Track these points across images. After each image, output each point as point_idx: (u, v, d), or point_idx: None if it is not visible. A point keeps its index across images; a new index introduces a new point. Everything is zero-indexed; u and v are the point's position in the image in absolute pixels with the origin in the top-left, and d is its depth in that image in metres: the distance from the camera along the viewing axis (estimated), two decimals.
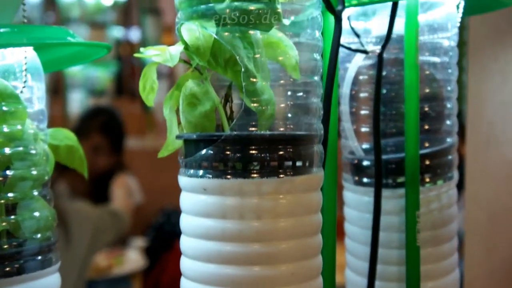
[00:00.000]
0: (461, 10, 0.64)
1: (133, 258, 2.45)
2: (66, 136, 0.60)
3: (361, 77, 0.66)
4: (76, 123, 2.41)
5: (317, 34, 0.53)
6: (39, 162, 0.54)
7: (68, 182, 2.03)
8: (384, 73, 0.63)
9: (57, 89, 3.25)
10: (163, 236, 2.77)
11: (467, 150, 0.83)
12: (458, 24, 0.65)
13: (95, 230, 1.73)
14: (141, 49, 0.53)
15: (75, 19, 3.10)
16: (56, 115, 3.10)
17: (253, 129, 0.51)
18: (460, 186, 0.73)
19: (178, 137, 0.53)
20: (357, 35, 0.63)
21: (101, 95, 3.26)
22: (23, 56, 0.52)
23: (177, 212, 2.14)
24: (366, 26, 0.67)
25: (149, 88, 0.55)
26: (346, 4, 0.56)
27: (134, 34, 4.26)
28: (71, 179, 2.02)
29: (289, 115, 0.53)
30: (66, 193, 1.99)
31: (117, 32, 3.85)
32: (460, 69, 0.68)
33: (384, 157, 0.64)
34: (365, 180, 0.66)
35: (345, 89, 0.66)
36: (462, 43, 0.77)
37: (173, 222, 2.85)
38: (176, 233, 2.32)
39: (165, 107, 0.55)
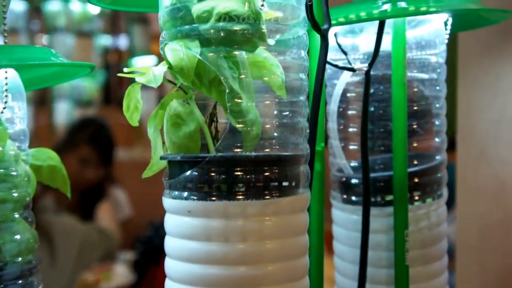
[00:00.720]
0: (449, 27, 0.65)
1: (121, 273, 2.43)
2: (49, 156, 0.60)
3: (348, 94, 0.67)
4: (63, 134, 2.40)
5: (303, 53, 0.53)
6: (20, 184, 0.54)
7: (55, 195, 2.02)
8: (371, 90, 0.64)
9: (43, 99, 3.24)
10: (151, 249, 2.76)
11: (458, 166, 0.84)
12: (446, 41, 0.66)
13: (81, 246, 1.72)
14: (125, 69, 0.54)
15: (61, 27, 3.10)
16: (42, 126, 3.09)
17: (238, 150, 0.51)
18: (451, 198, 0.73)
19: (162, 158, 0.53)
20: (344, 53, 0.64)
21: (88, 105, 3.26)
22: (3, 76, 0.53)
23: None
24: (353, 42, 0.68)
25: (133, 107, 0.55)
26: (333, 23, 0.56)
27: (122, 42, 4.26)
28: (58, 192, 2.01)
29: (275, 135, 0.53)
30: (52, 207, 1.98)
31: (104, 40, 3.85)
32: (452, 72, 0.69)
33: (372, 175, 0.65)
34: (353, 198, 0.67)
35: (332, 106, 0.67)
36: (453, 55, 0.78)
37: (162, 236, 2.82)
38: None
39: (149, 127, 0.56)
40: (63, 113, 3.11)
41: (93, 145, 2.11)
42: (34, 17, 3.36)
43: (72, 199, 2.05)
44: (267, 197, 0.50)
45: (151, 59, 3.55)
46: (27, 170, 0.56)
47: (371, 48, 0.64)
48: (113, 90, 4.32)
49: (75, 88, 3.19)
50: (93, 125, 2.20)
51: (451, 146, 0.76)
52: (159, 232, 2.88)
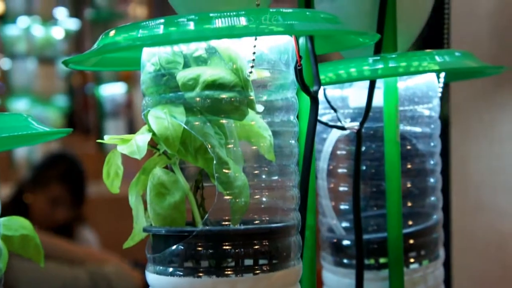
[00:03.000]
0: (442, 80, 0.67)
1: None
2: (21, 225, 0.61)
3: (338, 152, 0.69)
4: (30, 171, 2.37)
5: (292, 118, 0.55)
6: None
7: None
8: (363, 148, 0.66)
9: None
10: None
11: (453, 217, 0.87)
12: (439, 95, 0.68)
13: None
14: (105, 137, 0.55)
15: (22, 53, 3.10)
16: (0, 159, 3.06)
17: (226, 223, 0.53)
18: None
19: (145, 230, 0.54)
20: (334, 110, 0.66)
21: None
22: None
23: (139, 266, 2.11)
24: (342, 94, 0.70)
25: (114, 174, 0.56)
26: (323, 82, 0.59)
27: None
28: None
29: (264, 200, 0.55)
30: None
31: None
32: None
33: (365, 236, 0.67)
34: (345, 261, 0.69)
35: (322, 164, 0.69)
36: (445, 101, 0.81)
37: None
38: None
39: (130, 195, 0.57)
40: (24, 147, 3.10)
41: (64, 183, 2.08)
42: None
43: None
44: (257, 272, 0.51)
45: (119, 86, 3.55)
46: None
47: (361, 102, 0.66)
48: (78, 116, 4.30)
49: (37, 119, 3.17)
50: (64, 162, 2.17)
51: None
52: None
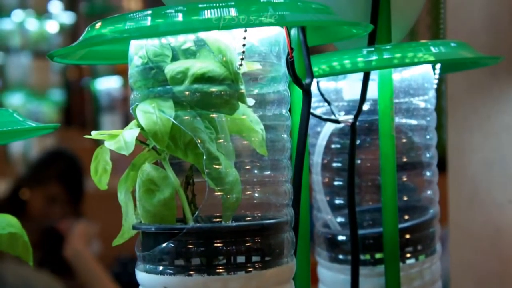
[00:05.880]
0: (437, 71, 0.66)
1: None
2: (8, 223, 0.60)
3: (333, 146, 0.67)
4: (28, 168, 2.35)
5: (284, 111, 0.54)
6: None
7: None
8: (357, 141, 0.65)
9: None
10: None
11: (450, 210, 0.85)
12: (435, 86, 0.67)
13: None
14: (92, 132, 0.54)
15: (16, 48, 3.09)
16: None
17: (217, 220, 0.51)
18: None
19: (134, 228, 0.53)
20: (328, 103, 0.64)
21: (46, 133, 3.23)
22: None
23: (134, 260, 2.10)
24: (336, 87, 0.69)
25: (102, 170, 0.55)
26: (316, 74, 0.57)
27: None
28: None
29: (256, 196, 0.53)
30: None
31: None
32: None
33: (360, 231, 0.65)
34: (340, 256, 0.68)
35: (316, 158, 0.67)
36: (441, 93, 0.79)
37: (130, 272, 2.81)
38: (133, 284, 2.27)
39: (119, 191, 0.55)
40: (19, 142, 3.08)
41: (62, 182, 2.06)
42: None
43: (34, 238, 1.99)
44: (249, 269, 0.50)
45: (115, 80, 3.53)
46: None
47: (355, 95, 0.65)
48: (74, 110, 4.28)
49: (31, 114, 3.16)
50: (62, 160, 2.15)
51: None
52: (127, 269, 2.85)
